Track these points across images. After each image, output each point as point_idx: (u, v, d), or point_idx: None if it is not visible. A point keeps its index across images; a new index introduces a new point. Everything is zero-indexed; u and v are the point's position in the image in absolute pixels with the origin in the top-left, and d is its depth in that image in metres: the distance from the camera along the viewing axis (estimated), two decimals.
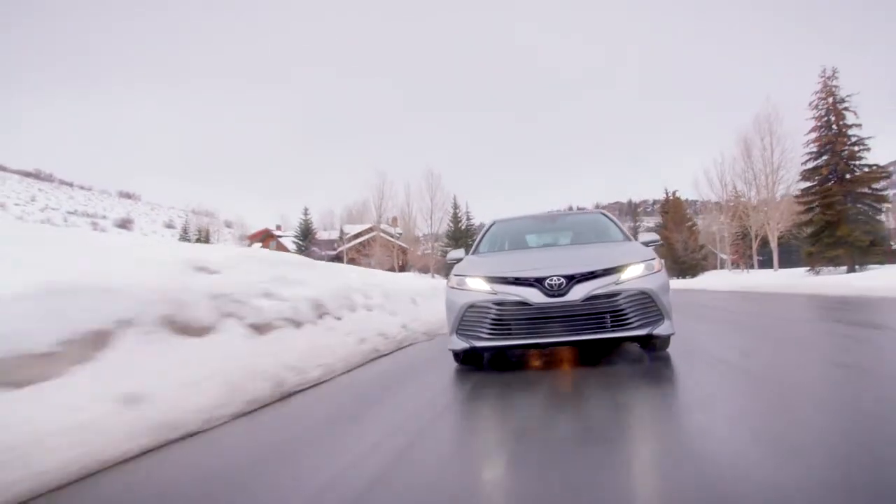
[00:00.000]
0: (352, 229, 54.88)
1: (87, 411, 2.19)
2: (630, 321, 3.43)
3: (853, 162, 21.82)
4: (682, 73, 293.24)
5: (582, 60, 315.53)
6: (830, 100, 22.37)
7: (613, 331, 3.42)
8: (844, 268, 21.05)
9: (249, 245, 64.57)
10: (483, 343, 3.59)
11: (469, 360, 4.06)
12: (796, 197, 24.71)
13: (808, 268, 22.78)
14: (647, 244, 4.25)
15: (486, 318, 3.58)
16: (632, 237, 4.71)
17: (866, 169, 21.84)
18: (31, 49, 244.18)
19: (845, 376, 3.11)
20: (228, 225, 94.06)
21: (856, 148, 21.82)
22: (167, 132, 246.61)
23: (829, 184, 22.03)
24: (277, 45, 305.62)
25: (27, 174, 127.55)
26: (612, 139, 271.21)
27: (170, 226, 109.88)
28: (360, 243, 50.00)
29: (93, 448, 2.05)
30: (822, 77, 22.95)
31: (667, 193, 52.68)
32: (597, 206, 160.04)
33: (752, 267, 34.29)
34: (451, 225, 49.10)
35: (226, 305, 3.83)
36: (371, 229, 49.69)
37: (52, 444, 1.93)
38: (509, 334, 3.53)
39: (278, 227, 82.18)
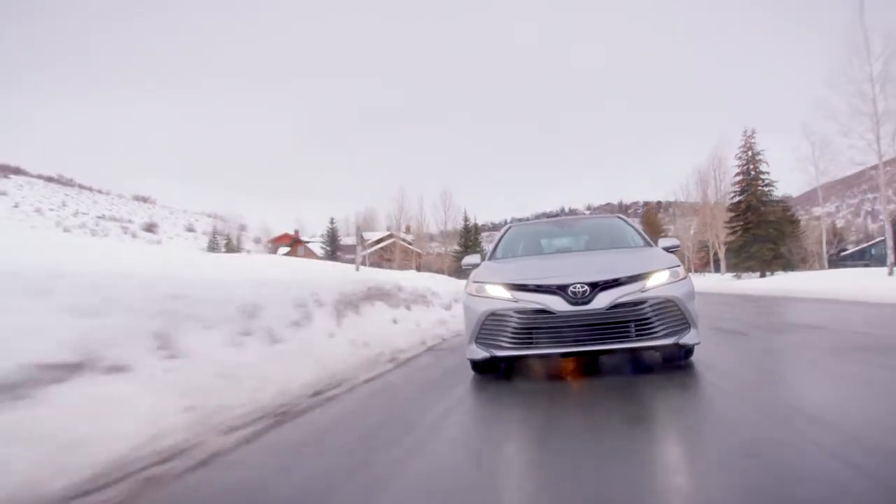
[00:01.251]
0: (370, 236, 62.61)
1: (341, 347, 4.41)
2: (656, 330, 3.32)
3: (763, 199, 30.10)
4: (678, 73, 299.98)
5: (580, 61, 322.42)
6: (749, 153, 30.75)
7: (638, 340, 3.32)
8: (758, 273, 29.19)
9: (275, 250, 71.70)
10: (504, 352, 3.50)
11: (487, 370, 3.87)
12: (725, 223, 32.89)
13: (734, 273, 30.97)
14: (668, 249, 4.17)
15: (507, 326, 3.47)
16: (652, 242, 4.59)
17: (773, 204, 30.27)
18: (36, 50, 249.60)
19: (728, 310, 10.47)
20: (243, 228, 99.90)
21: (766, 188, 30.16)
22: (171, 134, 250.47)
23: (747, 214, 30.20)
24: (279, 47, 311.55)
25: (49, 179, 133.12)
26: (605, 140, 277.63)
27: (190, 229, 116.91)
28: (381, 248, 57.77)
29: (348, 365, 4.14)
30: (744, 136, 31.82)
31: (646, 204, 60.73)
32: (588, 208, 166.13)
33: (708, 271, 42.58)
34: (462, 235, 57.13)
35: (417, 296, 11.62)
36: (390, 236, 57.52)
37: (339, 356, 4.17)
38: (531, 343, 3.43)
39: (296, 232, 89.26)
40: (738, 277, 29.69)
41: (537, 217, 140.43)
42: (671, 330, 3.34)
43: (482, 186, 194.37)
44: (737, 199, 31.51)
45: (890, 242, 16.77)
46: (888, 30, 16.88)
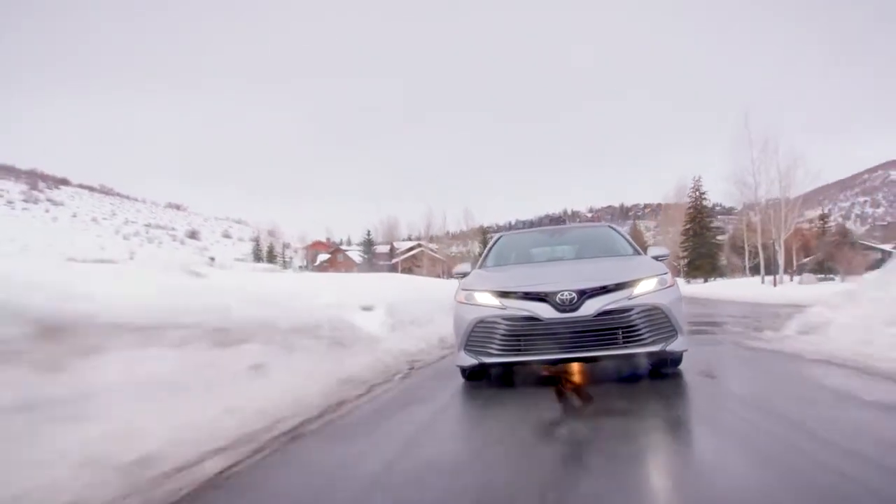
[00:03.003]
0: (400, 245, 73.60)
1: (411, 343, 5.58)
2: (643, 337, 3.35)
3: (706, 227, 41.89)
4: (679, 74, 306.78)
5: (580, 62, 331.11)
6: (697, 192, 42.57)
7: (626, 346, 3.35)
8: (702, 279, 40.74)
9: (314, 257, 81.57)
10: (492, 359, 3.52)
11: (475, 376, 3.91)
12: (680, 244, 44.62)
13: (686, 279, 42.87)
14: (657, 258, 4.18)
15: (496, 333, 3.49)
16: (641, 251, 4.61)
17: (712, 230, 42.19)
18: (56, 54, 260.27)
19: None
20: (273, 234, 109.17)
21: (708, 219, 41.90)
22: (177, 137, 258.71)
23: (694, 238, 41.96)
24: (280, 48, 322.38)
25: (91, 189, 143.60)
26: (607, 142, 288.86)
27: (227, 236, 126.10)
28: (412, 256, 69.20)
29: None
30: (694, 180, 43.63)
31: (646, 206, 72.27)
32: (590, 210, 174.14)
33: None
34: (481, 242, 69.19)
35: None
36: (419, 245, 69.01)
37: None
38: (519, 350, 3.47)
39: (328, 240, 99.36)
40: (689, 282, 41.17)
41: (540, 220, 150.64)
42: (658, 337, 3.37)
43: (485, 187, 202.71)
44: (687, 226, 43.48)
45: (762, 264, 28.11)
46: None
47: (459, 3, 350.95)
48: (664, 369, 3.78)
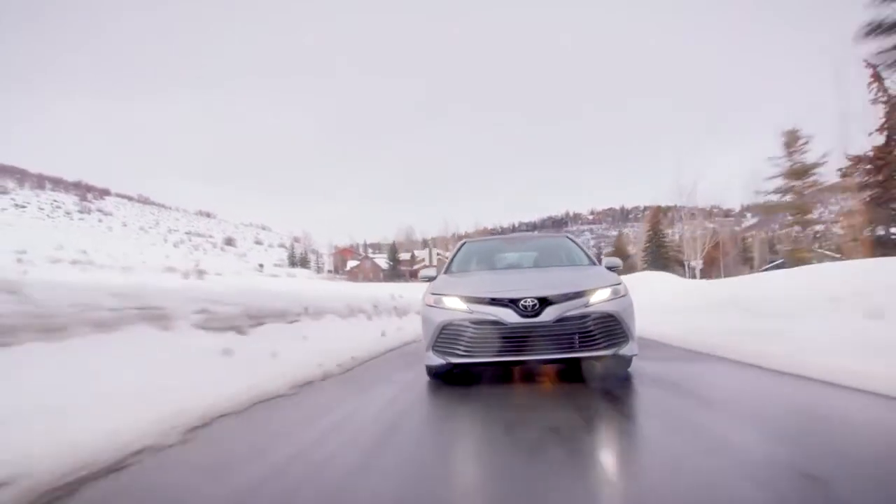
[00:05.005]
0: (419, 253, 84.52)
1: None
2: (597, 342, 3.60)
3: (662, 245, 54.16)
4: (679, 76, 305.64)
5: (579, 62, 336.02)
6: (655, 220, 54.66)
7: (582, 350, 3.58)
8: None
9: (344, 263, 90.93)
10: (459, 360, 3.73)
11: (443, 376, 4.12)
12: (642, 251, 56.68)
13: None
14: (611, 269, 4.49)
15: (463, 335, 3.71)
16: (596, 261, 4.91)
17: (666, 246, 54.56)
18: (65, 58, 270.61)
19: None
20: (297, 240, 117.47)
21: (664, 238, 54.13)
22: (195, 142, 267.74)
23: (652, 251, 54.34)
24: (282, 49, 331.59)
25: (129, 198, 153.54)
26: (609, 144, 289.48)
27: (258, 242, 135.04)
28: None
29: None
30: (650, 208, 54.97)
31: (647, 209, 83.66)
32: (591, 212, 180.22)
33: None
34: None
35: None
36: (438, 255, 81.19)
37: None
38: (484, 352, 3.65)
39: (352, 245, 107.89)
40: None
41: (543, 221, 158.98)
42: (611, 342, 3.64)
43: (489, 189, 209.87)
44: (648, 245, 55.36)
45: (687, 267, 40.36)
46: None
47: (455, 6, 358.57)
48: (616, 371, 4.01)
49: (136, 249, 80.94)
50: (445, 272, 4.90)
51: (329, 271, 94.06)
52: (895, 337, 3.67)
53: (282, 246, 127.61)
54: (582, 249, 5.21)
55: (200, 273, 31.60)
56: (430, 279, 4.67)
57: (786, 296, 6.39)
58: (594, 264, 4.83)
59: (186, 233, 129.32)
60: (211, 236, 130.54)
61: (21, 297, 2.71)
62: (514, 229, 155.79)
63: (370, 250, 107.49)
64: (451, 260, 5.19)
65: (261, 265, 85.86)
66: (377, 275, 78.19)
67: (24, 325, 2.68)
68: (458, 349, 3.74)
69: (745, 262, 47.74)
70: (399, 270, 79.19)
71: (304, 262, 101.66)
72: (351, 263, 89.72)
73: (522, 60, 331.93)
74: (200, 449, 2.37)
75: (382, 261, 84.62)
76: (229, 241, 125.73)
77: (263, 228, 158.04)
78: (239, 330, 4.88)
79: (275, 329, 5.48)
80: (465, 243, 5.62)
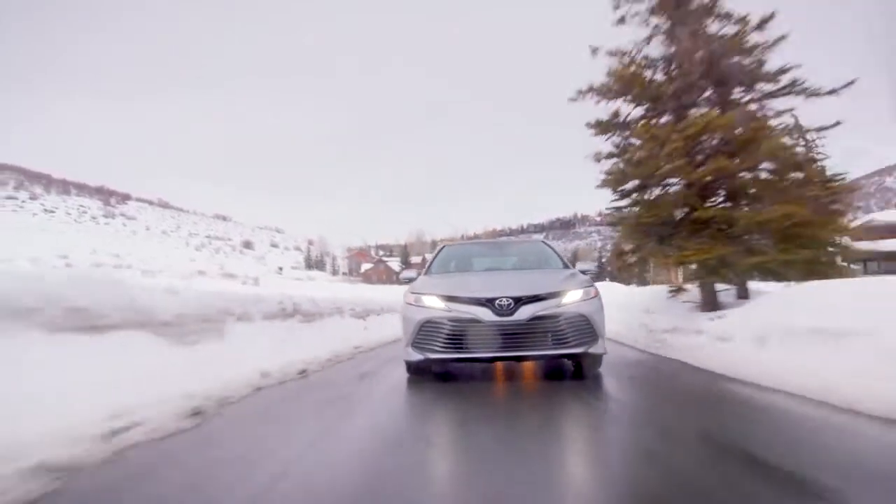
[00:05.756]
0: (429, 257, 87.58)
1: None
2: (569, 340, 3.79)
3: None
4: None
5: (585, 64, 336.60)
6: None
7: (554, 348, 3.78)
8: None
9: (359, 266, 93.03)
10: (437, 355, 3.89)
11: (421, 371, 4.28)
12: None
13: None
14: (584, 272, 4.67)
15: (441, 332, 3.87)
16: (570, 265, 5.11)
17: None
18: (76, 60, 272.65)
19: None
20: (312, 243, 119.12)
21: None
22: (193, 141, 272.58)
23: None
24: (281, 50, 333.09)
25: (149, 202, 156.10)
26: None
27: (274, 245, 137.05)
28: None
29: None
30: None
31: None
32: (599, 214, 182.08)
33: None
34: None
35: None
36: None
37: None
38: (461, 348, 3.82)
39: (367, 249, 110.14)
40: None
41: (551, 223, 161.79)
42: (582, 340, 3.82)
43: (496, 192, 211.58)
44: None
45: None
46: None
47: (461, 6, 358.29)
48: (586, 369, 4.18)
49: (161, 253, 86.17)
50: (425, 273, 5.11)
51: (344, 274, 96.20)
52: None
53: (296, 249, 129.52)
54: (556, 254, 5.46)
55: (256, 280, 35.55)
56: (411, 280, 4.87)
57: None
58: (568, 268, 5.03)
59: (206, 236, 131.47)
60: (229, 239, 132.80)
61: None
62: (522, 230, 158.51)
63: (381, 252, 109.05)
64: (431, 262, 5.41)
65: (280, 268, 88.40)
66: (390, 277, 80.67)
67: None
68: (437, 345, 3.88)
69: None
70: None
71: (319, 265, 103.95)
72: (365, 266, 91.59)
73: (524, 59, 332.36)
74: (371, 353, 6.57)
75: (395, 263, 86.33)
76: (247, 245, 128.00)
77: (278, 231, 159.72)
78: (362, 317, 8.99)
79: (373, 318, 9.56)
80: (444, 247, 5.86)
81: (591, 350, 3.91)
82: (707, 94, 7.44)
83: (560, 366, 4.73)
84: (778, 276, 6.57)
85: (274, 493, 1.73)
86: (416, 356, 3.99)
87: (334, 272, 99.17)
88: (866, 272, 23.38)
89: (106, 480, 1.88)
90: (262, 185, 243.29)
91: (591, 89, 7.70)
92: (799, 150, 6.80)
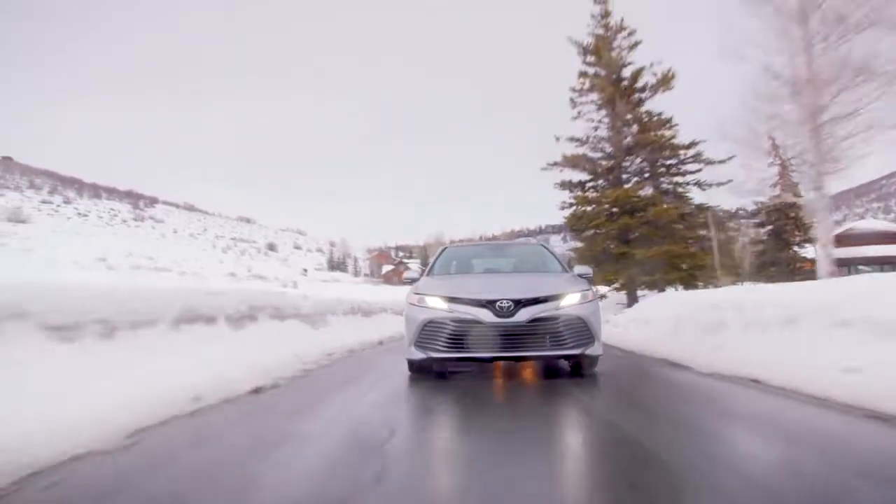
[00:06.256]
0: None
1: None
2: (566, 342, 3.91)
3: None
4: (688, 79, 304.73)
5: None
6: None
7: (552, 349, 3.90)
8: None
9: (380, 268, 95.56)
10: (439, 355, 4.00)
11: (422, 370, 4.39)
12: None
13: None
14: (581, 276, 4.79)
15: (443, 332, 3.98)
16: (568, 268, 5.21)
17: None
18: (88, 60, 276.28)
19: None
20: (333, 245, 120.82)
21: None
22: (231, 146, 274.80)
23: None
24: (279, 51, 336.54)
25: (176, 205, 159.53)
26: None
27: (297, 247, 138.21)
28: None
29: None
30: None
31: None
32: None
33: None
34: None
35: None
36: None
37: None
38: (462, 348, 3.93)
39: (387, 250, 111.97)
40: None
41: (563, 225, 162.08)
42: (579, 342, 3.96)
43: (511, 193, 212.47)
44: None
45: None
46: None
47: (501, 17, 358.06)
48: (584, 369, 4.33)
49: (191, 255, 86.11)
50: (427, 274, 5.17)
51: (366, 275, 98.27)
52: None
53: (319, 250, 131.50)
54: (555, 257, 5.53)
55: (294, 284, 39.57)
56: (414, 280, 4.90)
57: None
58: (566, 271, 5.11)
59: (232, 238, 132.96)
60: (254, 241, 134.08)
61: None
62: (540, 231, 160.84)
63: (400, 253, 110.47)
64: (433, 263, 5.47)
65: (305, 270, 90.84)
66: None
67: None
68: (439, 345, 3.99)
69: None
70: None
71: (341, 267, 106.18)
72: (386, 268, 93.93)
73: (549, 64, 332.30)
74: (387, 344, 8.91)
75: (414, 265, 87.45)
76: (272, 247, 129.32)
77: (300, 233, 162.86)
78: (399, 314, 12.54)
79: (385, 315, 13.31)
80: (446, 248, 5.94)
81: (588, 352, 4.06)
82: (633, 166, 11.41)
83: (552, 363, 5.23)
84: (666, 287, 10.58)
85: (379, 371, 5.02)
86: (419, 355, 4.12)
87: (356, 274, 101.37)
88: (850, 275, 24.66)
89: (326, 370, 5.03)
90: (283, 187, 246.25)
91: (555, 163, 11.74)
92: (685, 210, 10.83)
